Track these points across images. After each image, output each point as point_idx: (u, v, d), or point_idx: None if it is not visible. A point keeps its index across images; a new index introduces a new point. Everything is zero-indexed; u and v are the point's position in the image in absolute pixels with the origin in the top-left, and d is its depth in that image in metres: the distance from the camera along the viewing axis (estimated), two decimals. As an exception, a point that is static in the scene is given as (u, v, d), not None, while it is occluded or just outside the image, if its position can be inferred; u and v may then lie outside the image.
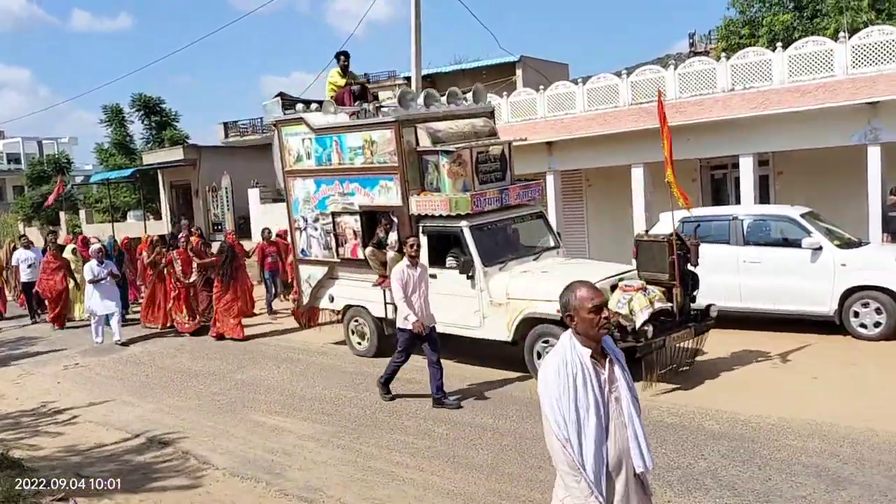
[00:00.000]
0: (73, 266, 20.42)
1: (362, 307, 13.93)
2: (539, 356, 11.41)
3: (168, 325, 17.77)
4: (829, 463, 7.93)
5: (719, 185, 23.41)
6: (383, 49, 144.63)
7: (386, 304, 13.36)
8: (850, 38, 18.65)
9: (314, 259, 14.43)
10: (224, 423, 10.66)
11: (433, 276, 12.35)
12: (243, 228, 33.83)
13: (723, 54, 22.19)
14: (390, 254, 12.95)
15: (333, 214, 13.84)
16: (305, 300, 14.86)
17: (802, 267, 13.15)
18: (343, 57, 14.40)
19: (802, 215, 13.74)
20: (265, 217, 31.32)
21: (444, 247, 12.74)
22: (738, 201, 19.73)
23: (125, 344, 16.63)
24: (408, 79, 30.60)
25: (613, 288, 11.45)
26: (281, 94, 14.44)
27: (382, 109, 13.22)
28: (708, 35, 42.74)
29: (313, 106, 14.41)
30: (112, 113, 48.61)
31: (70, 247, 21.55)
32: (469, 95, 13.83)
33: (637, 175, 20.11)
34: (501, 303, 11.89)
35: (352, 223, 13.61)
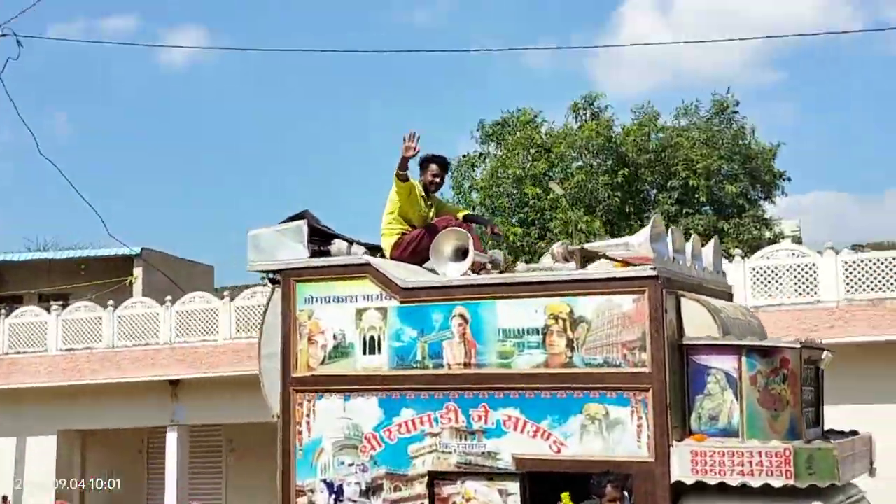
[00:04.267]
0: None
1: None
2: None
3: None
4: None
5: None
6: None
7: None
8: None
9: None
10: None
11: None
12: None
13: None
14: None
15: (434, 478, 6.86)
16: None
17: None
18: (435, 164, 8.01)
19: None
20: None
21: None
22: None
23: None
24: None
25: None
26: (305, 216, 7.65)
27: (603, 260, 6.95)
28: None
29: (354, 247, 7.78)
30: None
31: None
32: (707, 251, 7.88)
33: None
34: None
35: (492, 499, 6.70)
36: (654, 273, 6.48)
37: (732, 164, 26.74)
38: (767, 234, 26.86)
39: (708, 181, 26.31)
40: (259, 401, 17.64)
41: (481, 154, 30.10)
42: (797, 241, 25.30)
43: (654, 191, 27.96)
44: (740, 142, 27.10)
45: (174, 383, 18.56)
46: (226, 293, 20.48)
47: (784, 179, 27.68)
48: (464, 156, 29.94)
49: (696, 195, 26.35)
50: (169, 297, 20.27)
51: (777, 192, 27.77)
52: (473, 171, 29.94)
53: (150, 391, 18.56)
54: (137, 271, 27.10)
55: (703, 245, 7.88)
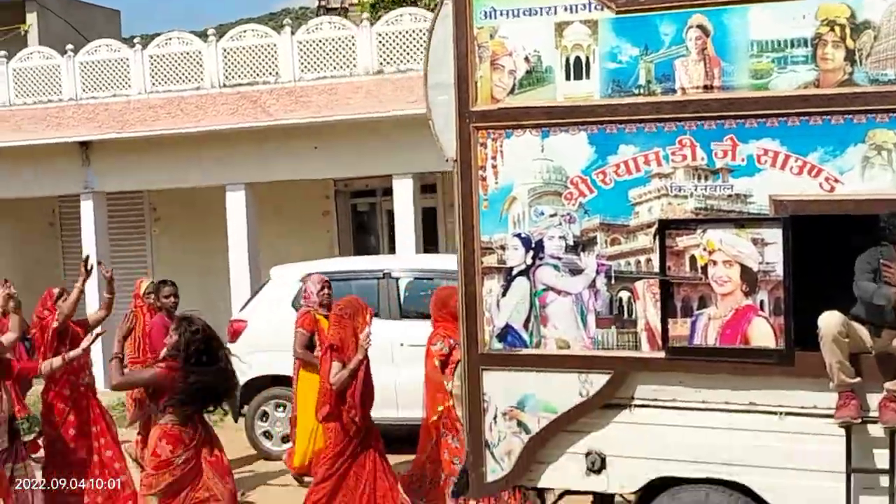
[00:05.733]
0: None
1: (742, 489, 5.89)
2: None
3: None
4: None
5: (365, 221, 19.10)
6: None
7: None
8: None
9: (552, 353, 6.07)
10: None
11: None
12: None
13: (365, 16, 17.55)
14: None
15: (665, 228, 5.79)
16: (493, 469, 6.25)
17: None
18: None
19: None
20: None
21: None
22: (392, 248, 15.87)
23: None
24: None
25: None
26: None
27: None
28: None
29: None
30: None
31: None
32: None
33: (235, 202, 15.68)
34: None
35: (743, 249, 5.70)
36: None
37: None
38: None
39: None
40: (183, 164, 15.95)
41: None
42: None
43: None
44: None
45: (84, 145, 16.60)
46: (136, 41, 18.33)
47: None
48: None
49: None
50: (71, 46, 17.91)
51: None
52: None
53: (57, 155, 16.55)
54: (31, 17, 24.15)
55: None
